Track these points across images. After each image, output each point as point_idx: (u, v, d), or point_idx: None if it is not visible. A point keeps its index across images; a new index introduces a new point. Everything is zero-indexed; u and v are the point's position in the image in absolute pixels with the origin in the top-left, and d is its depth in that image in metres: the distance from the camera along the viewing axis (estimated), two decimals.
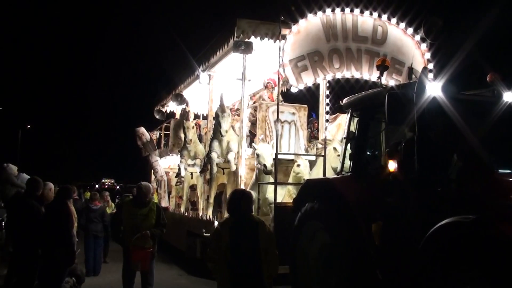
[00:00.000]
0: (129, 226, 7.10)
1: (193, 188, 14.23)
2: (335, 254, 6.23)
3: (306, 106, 10.73)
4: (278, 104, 8.72)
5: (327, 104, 10.69)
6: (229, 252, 5.17)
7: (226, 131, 9.95)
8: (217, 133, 10.33)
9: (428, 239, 4.81)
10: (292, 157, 10.18)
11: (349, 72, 8.26)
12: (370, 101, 6.44)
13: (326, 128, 8.92)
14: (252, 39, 9.52)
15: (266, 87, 11.57)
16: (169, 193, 16.88)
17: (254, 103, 12.08)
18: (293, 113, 10.44)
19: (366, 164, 6.52)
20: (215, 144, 10.38)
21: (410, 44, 8.59)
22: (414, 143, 5.40)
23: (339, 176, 6.76)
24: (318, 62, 8.10)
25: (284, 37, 8.10)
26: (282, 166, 9.74)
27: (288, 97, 12.06)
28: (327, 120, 10.73)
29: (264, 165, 9.08)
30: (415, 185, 5.38)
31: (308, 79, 8.12)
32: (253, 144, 9.65)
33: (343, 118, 10.64)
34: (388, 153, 5.55)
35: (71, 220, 7.19)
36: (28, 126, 45.01)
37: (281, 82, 11.90)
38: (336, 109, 7.07)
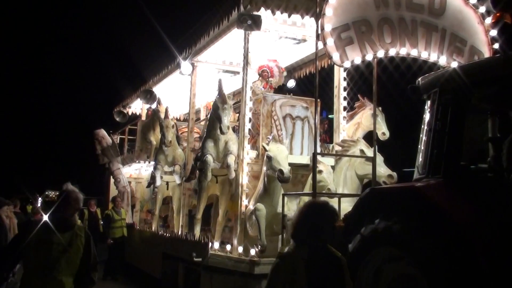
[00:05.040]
0: (37, 263, 4.16)
1: (165, 201, 11.95)
2: None
3: (319, 100, 8.72)
4: (316, 98, 6.71)
5: (345, 98, 8.84)
6: None
7: (228, 128, 7.82)
8: (212, 131, 8.17)
9: None
10: (306, 162, 8.19)
11: (404, 49, 6.34)
12: (475, 76, 4.52)
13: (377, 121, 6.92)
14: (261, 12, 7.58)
15: (260, 75, 9.52)
16: (133, 206, 14.52)
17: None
18: (306, 108, 8.44)
19: (468, 165, 4.58)
20: (210, 144, 8.19)
21: (471, 18, 6.81)
22: None
23: (424, 182, 4.75)
24: (366, 33, 6.14)
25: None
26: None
27: (284, 92, 10.09)
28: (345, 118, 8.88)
29: (280, 171, 7.01)
30: None
31: (354, 55, 6.14)
32: (263, 144, 7.57)
33: (364, 115, 8.82)
34: None
35: (3, 231, 6.86)
36: None
37: (282, 73, 10.08)
38: (409, 91, 5.12)
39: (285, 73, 9.92)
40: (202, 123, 12.07)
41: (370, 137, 8.74)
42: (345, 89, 8.77)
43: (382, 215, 4.73)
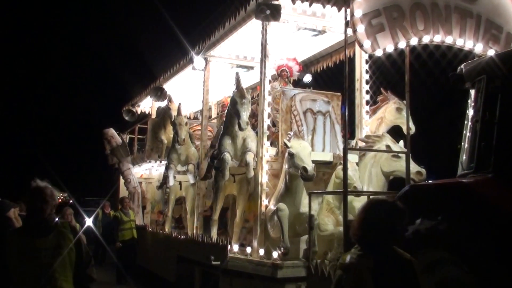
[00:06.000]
0: (27, 273, 3.74)
1: (178, 201, 11.57)
2: None
3: (339, 94, 8.33)
4: (345, 89, 6.27)
5: (367, 92, 8.42)
6: None
7: (248, 123, 7.42)
8: (230, 128, 7.77)
9: None
10: (328, 159, 7.79)
11: (439, 36, 5.91)
12: None
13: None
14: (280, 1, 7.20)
15: (280, 75, 9.12)
16: (143, 207, 14.15)
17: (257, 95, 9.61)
18: (328, 102, 8.04)
19: None
20: (227, 141, 7.80)
21: (507, 3, 6.39)
22: None
23: (471, 178, 4.34)
24: (398, 20, 5.72)
25: None
26: None
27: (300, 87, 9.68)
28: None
29: (304, 168, 6.61)
30: None
31: (386, 43, 5.72)
32: (284, 140, 7.16)
33: (388, 109, 8.40)
34: None
35: None
36: None
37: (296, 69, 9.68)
38: (451, 79, 4.71)
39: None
40: (214, 121, 11.72)
41: (393, 132, 8.34)
42: (367, 82, 8.36)
43: (426, 214, 4.32)
